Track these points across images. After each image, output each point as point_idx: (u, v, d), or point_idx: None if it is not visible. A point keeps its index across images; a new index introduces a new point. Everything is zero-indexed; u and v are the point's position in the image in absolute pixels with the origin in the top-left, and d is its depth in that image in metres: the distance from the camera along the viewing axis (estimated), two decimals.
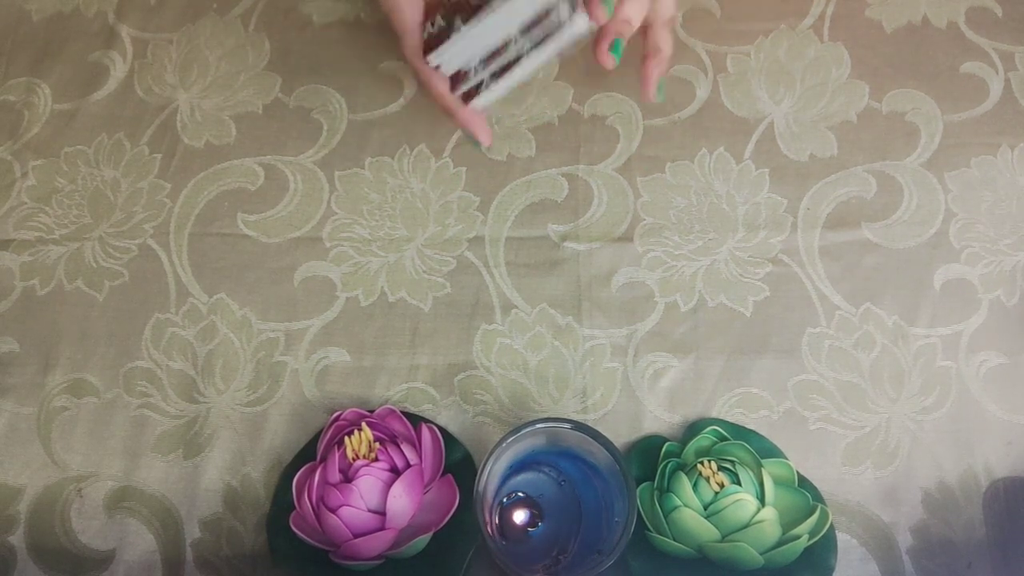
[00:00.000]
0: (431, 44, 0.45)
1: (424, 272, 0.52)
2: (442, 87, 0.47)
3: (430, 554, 0.42)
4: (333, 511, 0.40)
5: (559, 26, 0.42)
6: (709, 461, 0.42)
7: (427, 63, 0.46)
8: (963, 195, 0.54)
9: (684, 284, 0.51)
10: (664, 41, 0.47)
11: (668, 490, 0.42)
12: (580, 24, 0.42)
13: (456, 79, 0.46)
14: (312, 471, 0.42)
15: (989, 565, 0.44)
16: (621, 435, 0.47)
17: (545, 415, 0.47)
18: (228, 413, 0.48)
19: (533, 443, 0.42)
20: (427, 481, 0.43)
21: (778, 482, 0.43)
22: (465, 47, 0.44)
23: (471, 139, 0.49)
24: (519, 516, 0.43)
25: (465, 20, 0.43)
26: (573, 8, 0.41)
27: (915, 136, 0.55)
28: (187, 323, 0.50)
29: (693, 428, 0.47)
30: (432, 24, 0.45)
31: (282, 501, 0.45)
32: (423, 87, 0.47)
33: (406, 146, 0.56)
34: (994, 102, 0.56)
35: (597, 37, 0.45)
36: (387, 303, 0.51)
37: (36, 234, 0.53)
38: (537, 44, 0.43)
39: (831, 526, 0.42)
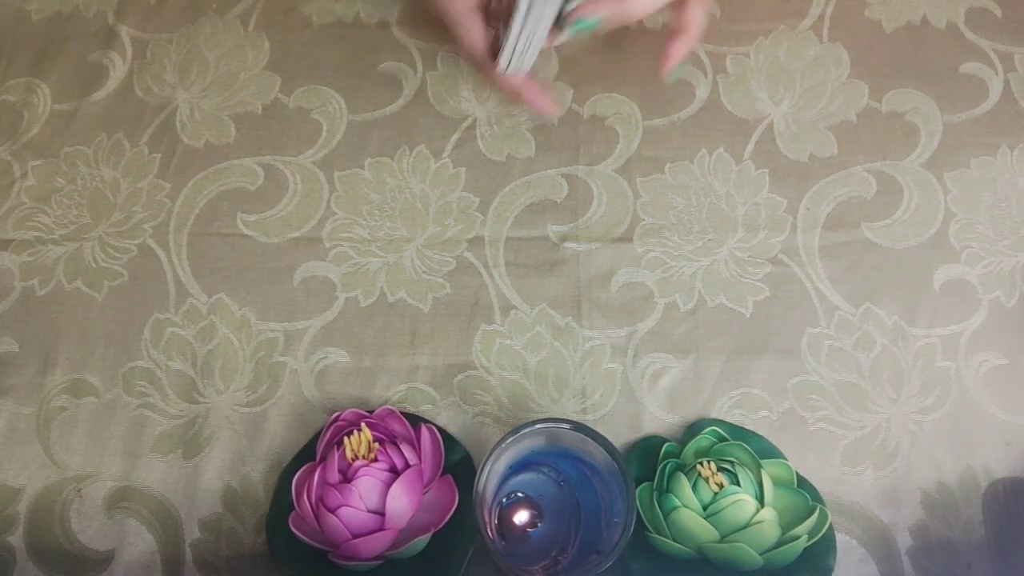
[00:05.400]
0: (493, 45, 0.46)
1: (424, 272, 0.52)
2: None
3: (429, 555, 0.42)
4: (332, 511, 0.40)
5: None
6: (708, 462, 0.42)
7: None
8: (963, 195, 0.54)
9: (684, 284, 0.51)
10: (696, 20, 0.47)
11: (667, 490, 0.42)
12: None
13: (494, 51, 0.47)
14: (311, 471, 0.42)
15: (988, 566, 0.44)
16: (620, 436, 0.47)
17: (544, 415, 0.47)
18: (227, 413, 0.48)
19: (532, 443, 0.42)
20: (426, 481, 0.43)
21: (777, 483, 0.43)
22: (515, 30, 0.45)
23: (540, 115, 0.50)
24: (518, 516, 0.43)
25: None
26: None
27: (915, 136, 0.56)
28: (186, 323, 0.50)
29: (692, 429, 0.47)
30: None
31: (281, 501, 0.45)
32: (485, 74, 0.48)
33: (406, 146, 0.56)
34: (993, 103, 0.57)
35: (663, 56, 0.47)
36: (387, 303, 0.51)
37: (35, 234, 0.53)
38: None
39: (830, 527, 0.42)
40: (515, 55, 0.46)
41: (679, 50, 0.47)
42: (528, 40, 0.45)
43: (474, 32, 0.46)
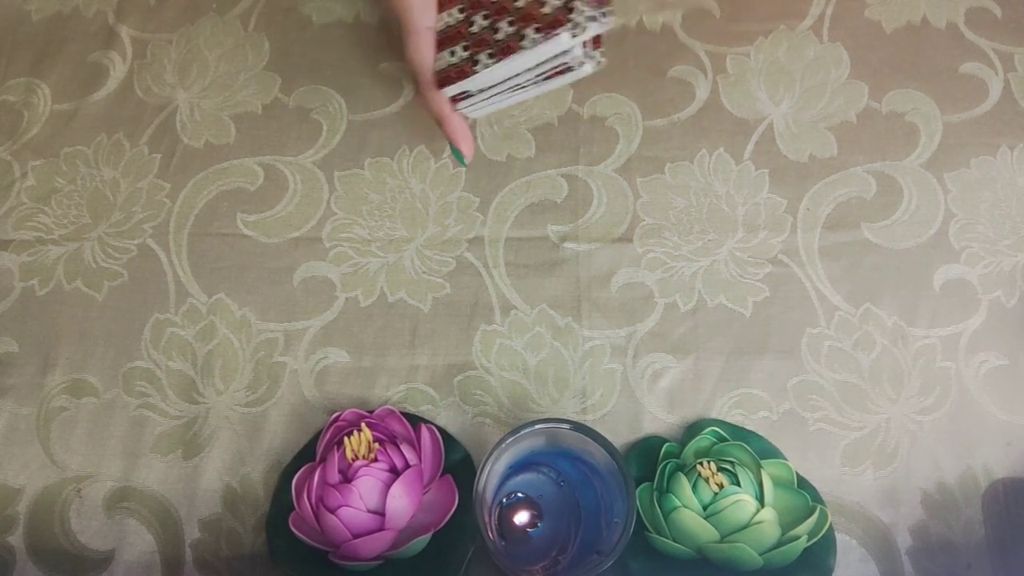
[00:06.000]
0: (449, 75, 0.45)
1: (424, 272, 0.52)
2: (439, 94, 0.47)
3: (429, 555, 0.42)
4: (332, 512, 0.40)
5: (569, 69, 0.42)
6: (708, 462, 0.42)
7: (432, 74, 0.46)
8: (963, 195, 0.54)
9: (684, 285, 0.51)
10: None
11: (667, 491, 0.42)
12: (588, 69, 0.42)
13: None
14: (311, 471, 0.42)
15: (988, 566, 0.44)
16: (620, 436, 0.47)
17: (544, 416, 0.47)
18: (227, 413, 0.48)
19: (532, 444, 0.42)
20: (426, 482, 0.43)
21: (777, 483, 0.43)
22: (480, 80, 0.44)
23: (455, 151, 0.49)
24: (518, 517, 0.43)
25: (490, 56, 0.43)
26: (585, 52, 0.42)
27: (915, 136, 0.56)
28: (186, 323, 0.50)
29: (692, 429, 0.47)
30: (452, 53, 0.45)
31: (281, 501, 0.45)
32: (419, 91, 0.47)
33: (406, 147, 0.56)
34: (993, 103, 0.57)
35: None
36: (387, 303, 0.51)
37: (35, 234, 0.53)
38: (543, 80, 0.43)
39: (830, 527, 0.42)
40: (478, 104, 0.45)
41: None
42: (496, 99, 0.45)
43: (425, 48, 0.46)
